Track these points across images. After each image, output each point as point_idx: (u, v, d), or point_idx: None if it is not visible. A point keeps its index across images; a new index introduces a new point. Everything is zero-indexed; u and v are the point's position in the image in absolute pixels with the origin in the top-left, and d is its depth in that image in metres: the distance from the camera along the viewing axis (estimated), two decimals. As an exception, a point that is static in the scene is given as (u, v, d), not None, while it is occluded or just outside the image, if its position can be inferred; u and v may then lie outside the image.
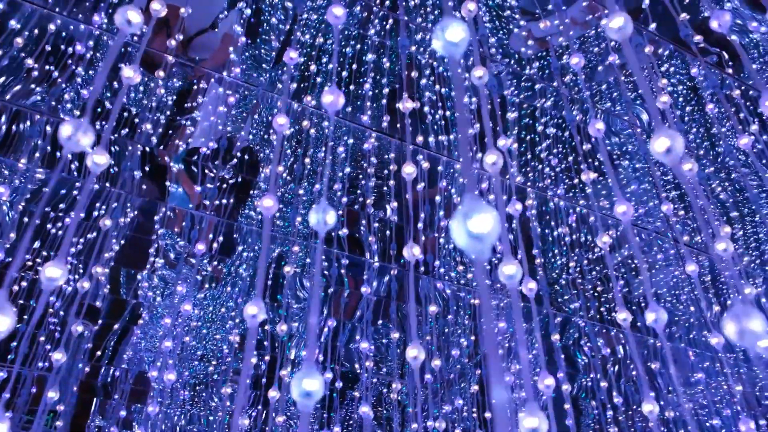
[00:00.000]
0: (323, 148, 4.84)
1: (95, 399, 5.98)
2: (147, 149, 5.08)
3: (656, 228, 5.64)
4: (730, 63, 4.62)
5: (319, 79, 5.10)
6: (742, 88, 3.99)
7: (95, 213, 4.39)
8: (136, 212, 5.00)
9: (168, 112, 5.08)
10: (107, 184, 4.51)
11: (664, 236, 5.58)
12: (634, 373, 6.52)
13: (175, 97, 5.12)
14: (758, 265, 6.23)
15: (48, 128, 4.38)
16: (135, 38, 3.92)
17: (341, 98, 2.25)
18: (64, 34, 4.32)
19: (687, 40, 3.34)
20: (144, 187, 5.18)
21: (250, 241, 5.50)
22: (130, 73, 2.06)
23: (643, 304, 6.62)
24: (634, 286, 6.23)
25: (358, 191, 5.49)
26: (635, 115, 5.45)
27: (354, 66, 5.13)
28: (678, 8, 3.66)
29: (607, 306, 6.21)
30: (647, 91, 1.50)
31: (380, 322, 5.94)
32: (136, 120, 4.84)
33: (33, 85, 4.50)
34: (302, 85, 5.02)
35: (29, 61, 3.92)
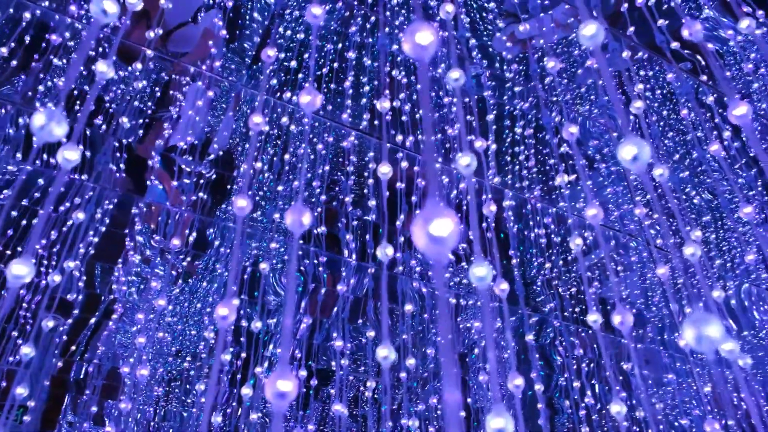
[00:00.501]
0: (303, 145, 4.83)
1: (67, 394, 5.91)
2: (125, 142, 5.03)
3: (631, 230, 5.73)
4: (706, 70, 4.70)
5: (300, 76, 5.08)
6: (715, 95, 4.07)
7: (68, 205, 4.33)
8: (111, 206, 4.94)
9: (148, 104, 5.03)
10: (82, 177, 4.46)
11: (637, 239, 5.67)
12: (608, 373, 6.61)
13: (156, 90, 5.07)
14: (729, 269, 6.35)
15: (20, 120, 4.32)
16: (111, 30, 3.87)
17: (318, 98, 2.26)
18: (39, 23, 4.25)
19: (662, 46, 3.40)
20: (120, 180, 5.12)
21: (226, 237, 5.47)
22: (103, 67, 2.04)
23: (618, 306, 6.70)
24: (608, 288, 6.32)
25: (337, 188, 5.49)
26: (611, 119, 5.53)
27: (335, 63, 5.12)
28: (656, 14, 3.71)
29: (582, 307, 6.29)
30: (615, 99, 1.53)
31: (359, 321, 5.95)
32: (112, 110, 4.79)
33: (8, 75, 4.42)
34: (285, 77, 5.00)
35: (3, 50, 3.84)
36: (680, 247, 2.43)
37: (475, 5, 5.52)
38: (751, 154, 5.11)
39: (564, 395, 6.78)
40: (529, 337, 5.19)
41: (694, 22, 2.15)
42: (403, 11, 4.74)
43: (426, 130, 1.00)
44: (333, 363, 6.12)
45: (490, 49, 5.69)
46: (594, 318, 2.66)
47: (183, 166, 4.62)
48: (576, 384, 4.78)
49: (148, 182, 5.11)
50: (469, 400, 5.91)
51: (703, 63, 4.78)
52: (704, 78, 4.75)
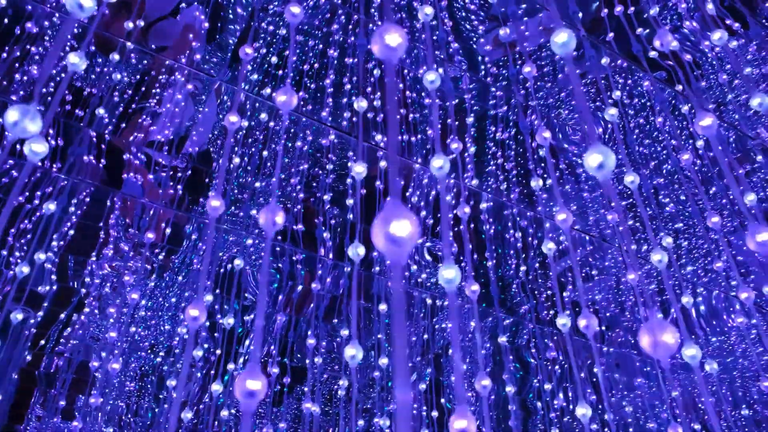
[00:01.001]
0: (282, 141, 4.82)
1: (36, 388, 5.83)
2: (101, 134, 4.97)
3: (605, 235, 5.80)
4: (682, 79, 4.77)
5: (280, 72, 5.06)
6: (690, 105, 4.14)
7: (38, 195, 4.28)
8: (86, 198, 4.89)
9: (125, 96, 4.97)
10: (54, 168, 4.40)
11: (611, 243, 5.74)
12: (582, 374, 6.69)
13: (135, 82, 5.02)
14: (702, 275, 6.47)
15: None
16: (87, 20, 3.82)
17: (294, 98, 2.26)
18: (12, 12, 4.19)
19: (638, 55, 3.45)
20: (96, 173, 5.06)
21: (204, 232, 5.43)
22: (75, 59, 2.01)
23: (592, 309, 6.80)
24: (582, 291, 6.39)
25: (315, 186, 5.48)
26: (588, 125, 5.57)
27: (316, 61, 5.11)
28: (635, 23, 3.77)
29: (556, 309, 6.36)
30: (584, 107, 1.55)
31: (336, 320, 5.94)
32: (90, 101, 4.73)
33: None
34: (266, 68, 4.97)
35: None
36: (649, 254, 2.47)
37: (461, 6, 5.54)
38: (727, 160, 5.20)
39: (537, 397, 6.85)
40: (502, 339, 5.24)
41: (665, 33, 2.19)
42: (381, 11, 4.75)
43: (389, 131, 1.01)
44: (308, 361, 6.10)
45: (473, 52, 5.73)
46: (563, 321, 2.70)
47: (160, 160, 4.58)
48: (547, 386, 4.83)
49: (125, 175, 5.05)
50: (442, 400, 5.94)
51: (681, 72, 4.85)
52: (680, 88, 4.82)
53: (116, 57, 3.66)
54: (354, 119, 4.72)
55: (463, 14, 5.59)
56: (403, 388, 0.75)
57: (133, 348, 5.99)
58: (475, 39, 5.37)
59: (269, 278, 5.53)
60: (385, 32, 1.07)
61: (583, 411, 2.51)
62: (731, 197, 5.32)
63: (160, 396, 6.17)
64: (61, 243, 4.92)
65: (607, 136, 5.52)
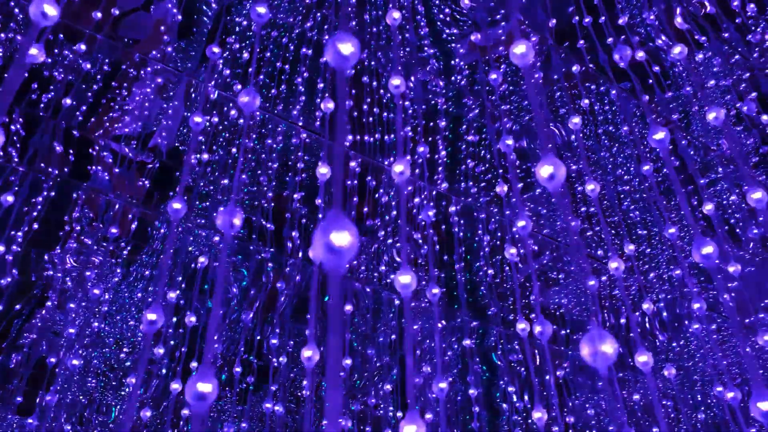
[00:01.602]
0: (251, 138, 4.79)
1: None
2: (67, 126, 4.88)
3: (571, 241, 5.89)
4: (656, 88, 4.88)
5: (251, 69, 5.03)
6: (654, 115, 4.24)
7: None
8: (51, 192, 4.79)
9: (96, 87, 4.89)
10: (16, 160, 4.31)
11: (575, 250, 5.83)
12: (547, 377, 6.79)
13: (104, 74, 4.94)
14: (664, 282, 6.61)
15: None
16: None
17: (257, 100, 2.25)
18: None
19: (604, 65, 3.51)
20: (61, 165, 4.97)
21: (168, 228, 5.36)
22: (34, 51, 1.99)
23: (558, 313, 6.90)
24: (547, 295, 6.48)
25: (285, 185, 5.46)
26: (554, 130, 5.67)
27: (289, 59, 5.09)
28: (609, 32, 3.84)
29: (527, 312, 6.43)
30: (540, 121, 1.58)
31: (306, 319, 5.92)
32: (56, 92, 4.64)
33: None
34: (239, 64, 4.94)
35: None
36: (607, 260, 2.52)
37: (437, 11, 5.57)
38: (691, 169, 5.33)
39: (502, 399, 6.92)
40: (467, 342, 5.30)
41: (624, 48, 2.24)
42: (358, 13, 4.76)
43: (337, 139, 1.02)
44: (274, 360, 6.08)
45: (449, 56, 5.77)
46: (522, 326, 2.75)
47: (128, 155, 4.52)
48: (511, 388, 4.90)
49: (91, 168, 4.97)
50: (408, 401, 5.95)
51: (651, 81, 4.95)
52: (647, 98, 4.92)
53: (83, 47, 3.60)
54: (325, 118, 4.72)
55: (441, 18, 5.63)
56: (334, 390, 0.76)
57: (97, 343, 5.90)
58: (450, 43, 5.41)
59: (240, 277, 5.50)
60: (339, 41, 1.08)
61: (538, 415, 2.56)
62: (693, 205, 5.45)
63: (122, 393, 6.09)
64: (24, 235, 4.82)
65: (551, 147, 5.60)
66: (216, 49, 2.44)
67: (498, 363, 6.95)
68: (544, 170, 1.41)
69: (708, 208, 3.24)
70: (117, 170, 4.62)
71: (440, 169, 5.20)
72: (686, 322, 6.83)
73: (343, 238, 0.85)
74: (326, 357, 0.81)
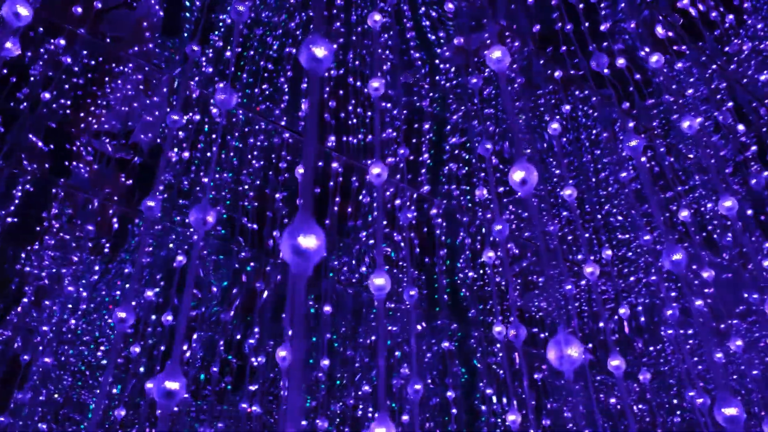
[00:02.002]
0: (233, 137, 4.77)
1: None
2: (46, 122, 4.82)
3: (542, 245, 5.92)
4: (639, 94, 4.93)
5: (233, 68, 5.01)
6: (632, 123, 4.29)
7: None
8: (28, 187, 4.73)
9: (76, 82, 4.83)
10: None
11: (545, 254, 5.87)
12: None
13: (84, 70, 4.89)
14: (642, 287, 6.68)
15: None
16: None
17: (234, 98, 2.24)
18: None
19: (585, 71, 3.55)
20: (41, 161, 4.91)
21: (144, 227, 5.31)
22: (9, 44, 1.96)
23: (539, 316, 6.94)
24: (527, 298, 6.53)
25: (267, 184, 5.44)
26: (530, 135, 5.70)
27: (273, 57, 5.08)
28: (587, 39, 3.87)
29: (507, 314, 6.47)
30: (515, 126, 1.59)
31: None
32: (37, 87, 4.58)
33: None
34: (221, 62, 4.91)
35: None
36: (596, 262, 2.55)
37: (427, 14, 5.58)
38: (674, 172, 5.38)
39: (481, 401, 6.95)
40: (445, 344, 5.31)
41: (601, 55, 2.27)
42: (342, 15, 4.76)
43: (307, 142, 1.02)
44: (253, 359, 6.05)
45: (434, 59, 5.78)
46: (498, 329, 2.76)
47: (108, 151, 4.47)
48: (489, 391, 4.92)
49: (70, 165, 4.92)
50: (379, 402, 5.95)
51: (636, 88, 5.00)
52: (627, 105, 4.98)
53: (62, 42, 3.56)
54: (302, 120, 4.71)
55: (426, 22, 5.64)
56: (295, 392, 0.77)
57: (73, 341, 5.83)
58: (436, 46, 5.43)
59: (220, 276, 5.47)
60: (312, 44, 1.08)
61: (513, 417, 2.58)
62: (673, 210, 5.51)
63: (98, 391, 6.02)
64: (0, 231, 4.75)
65: (526, 152, 5.62)
66: (195, 47, 2.43)
67: (478, 366, 6.98)
68: (517, 175, 1.43)
69: (684, 214, 3.29)
70: (96, 167, 4.57)
71: (423, 171, 5.22)
72: (662, 327, 6.91)
73: (309, 241, 0.86)
74: (291, 358, 0.81)
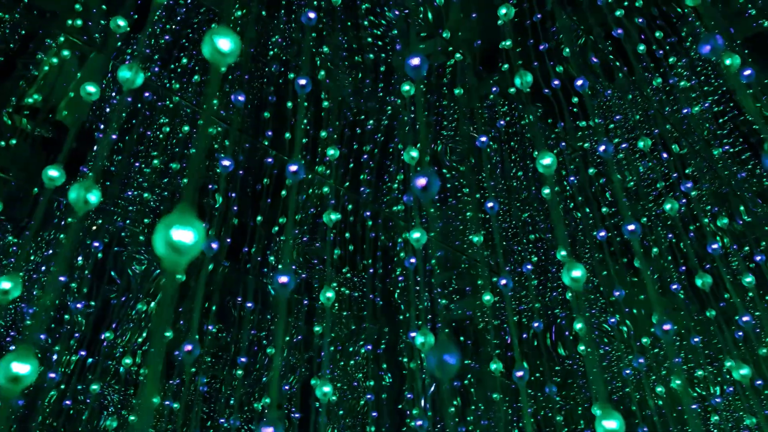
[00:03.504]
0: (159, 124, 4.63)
1: None
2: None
3: (472, 255, 6.04)
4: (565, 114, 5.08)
5: (176, 53, 4.88)
6: (595, 139, 4.42)
7: None
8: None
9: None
10: None
11: (474, 262, 6.00)
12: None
13: (13, 41, 4.65)
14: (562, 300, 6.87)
15: None
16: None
17: (139, 76, 2.14)
18: None
19: (518, 89, 3.64)
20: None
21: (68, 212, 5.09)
22: None
23: (465, 324, 7.05)
24: (456, 306, 6.62)
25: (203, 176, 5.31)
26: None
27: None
28: (531, 55, 3.97)
29: (427, 322, 6.51)
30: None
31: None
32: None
33: None
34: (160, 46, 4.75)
35: None
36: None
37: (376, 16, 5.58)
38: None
39: (406, 406, 6.99)
40: (369, 347, 5.33)
41: (526, 74, 2.32)
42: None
43: (198, 137, 1.00)
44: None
45: (378, 63, 5.80)
46: (414, 335, 2.79)
47: (28, 128, 4.25)
48: (409, 395, 4.95)
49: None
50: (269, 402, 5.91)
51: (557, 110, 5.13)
52: (562, 124, 5.13)
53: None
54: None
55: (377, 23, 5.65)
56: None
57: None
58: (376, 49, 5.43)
59: (139, 263, 5.30)
60: (216, 34, 1.05)
61: (419, 422, 2.61)
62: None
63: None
64: None
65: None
66: (122, 23, 2.34)
67: (404, 371, 7.02)
68: (419, 182, 1.45)
69: (601, 234, 3.42)
70: (14, 143, 4.34)
71: (366, 172, 5.22)
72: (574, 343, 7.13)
73: (186, 235, 0.81)
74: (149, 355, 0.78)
